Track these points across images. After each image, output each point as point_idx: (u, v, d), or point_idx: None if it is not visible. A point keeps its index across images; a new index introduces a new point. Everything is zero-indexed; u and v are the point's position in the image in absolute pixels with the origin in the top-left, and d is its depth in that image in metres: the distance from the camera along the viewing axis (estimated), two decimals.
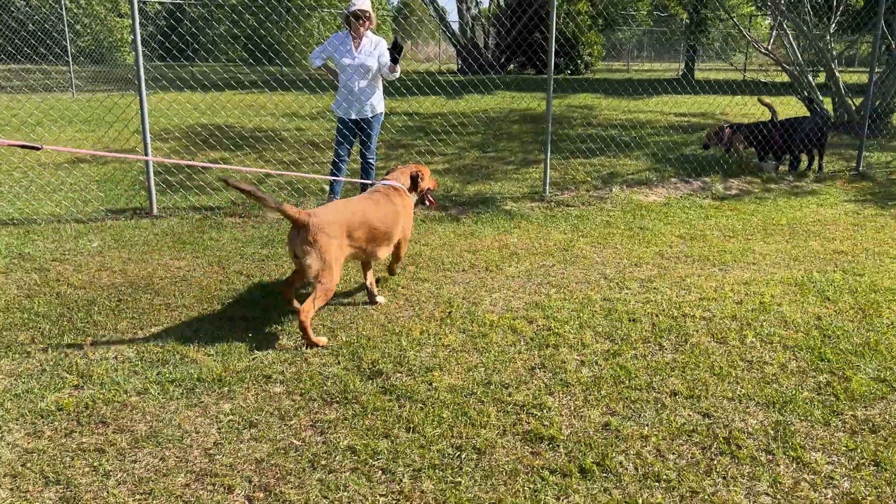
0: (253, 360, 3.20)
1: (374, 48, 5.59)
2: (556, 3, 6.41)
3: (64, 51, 16.82)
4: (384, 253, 3.87)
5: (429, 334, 3.50)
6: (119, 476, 2.37)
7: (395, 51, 5.48)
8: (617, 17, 30.31)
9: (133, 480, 2.35)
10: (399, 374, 3.07)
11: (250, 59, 24.00)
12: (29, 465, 2.43)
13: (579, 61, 25.41)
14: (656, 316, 3.73)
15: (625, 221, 5.84)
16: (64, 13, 16.39)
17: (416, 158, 8.28)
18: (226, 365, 3.14)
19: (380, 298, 3.93)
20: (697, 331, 3.54)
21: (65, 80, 17.02)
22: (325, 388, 2.96)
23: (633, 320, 3.68)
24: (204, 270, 4.46)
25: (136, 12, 5.54)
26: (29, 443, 2.56)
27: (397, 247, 4.04)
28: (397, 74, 5.62)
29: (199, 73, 17.79)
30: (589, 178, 7.40)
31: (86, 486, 2.32)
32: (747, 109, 10.47)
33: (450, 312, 3.79)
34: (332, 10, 26.21)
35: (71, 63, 16.46)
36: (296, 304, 3.67)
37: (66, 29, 16.59)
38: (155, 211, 5.82)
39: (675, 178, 7.45)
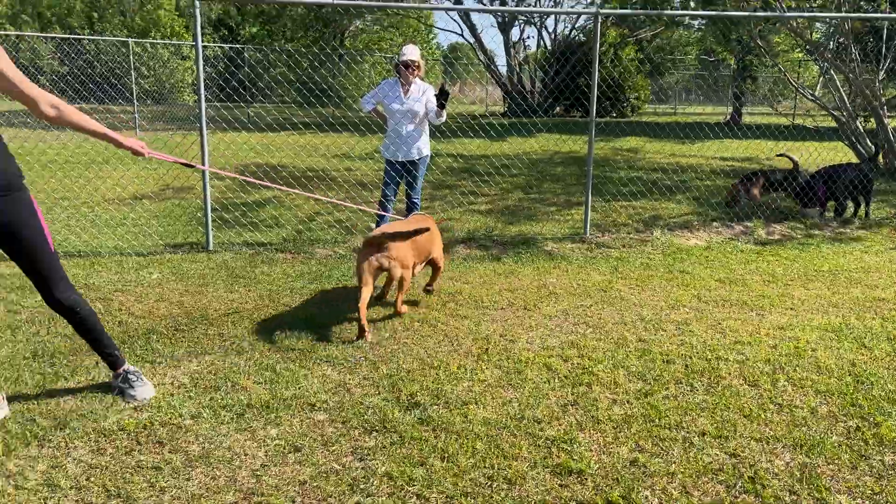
0: (299, 388, 3.38)
1: (421, 94, 5.85)
2: (598, 50, 6.61)
3: (129, 91, 17.71)
4: (420, 264, 4.63)
5: (466, 369, 3.64)
6: (174, 492, 2.56)
7: (442, 97, 5.72)
8: (664, 62, 30.46)
9: (186, 496, 2.53)
10: (436, 407, 3.22)
11: (304, 101, 24.84)
12: (92, 479, 2.64)
13: (625, 105, 25.57)
14: (690, 358, 3.80)
15: (664, 264, 5.92)
16: (131, 56, 17.31)
17: (460, 199, 8.49)
18: (273, 393, 3.33)
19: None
20: (730, 373, 3.60)
21: (130, 119, 17.89)
22: (365, 417, 3.12)
23: (667, 361, 3.76)
24: (255, 303, 4.69)
25: (201, 58, 5.93)
26: (92, 459, 2.77)
27: (437, 264, 4.82)
28: (443, 119, 5.86)
29: (255, 114, 18.51)
30: (630, 221, 7.49)
31: (143, 500, 2.51)
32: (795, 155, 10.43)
33: (487, 349, 3.93)
34: (383, 56, 27.00)
35: (135, 103, 17.32)
36: (366, 325, 4.10)
37: (132, 71, 17.50)
38: (211, 246, 6.12)
39: (717, 222, 7.49)
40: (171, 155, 3.89)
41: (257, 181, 4.87)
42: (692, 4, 22.32)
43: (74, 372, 3.55)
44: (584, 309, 4.69)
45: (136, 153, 3.24)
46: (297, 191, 5.04)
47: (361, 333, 4.04)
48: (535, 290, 5.11)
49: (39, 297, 4.64)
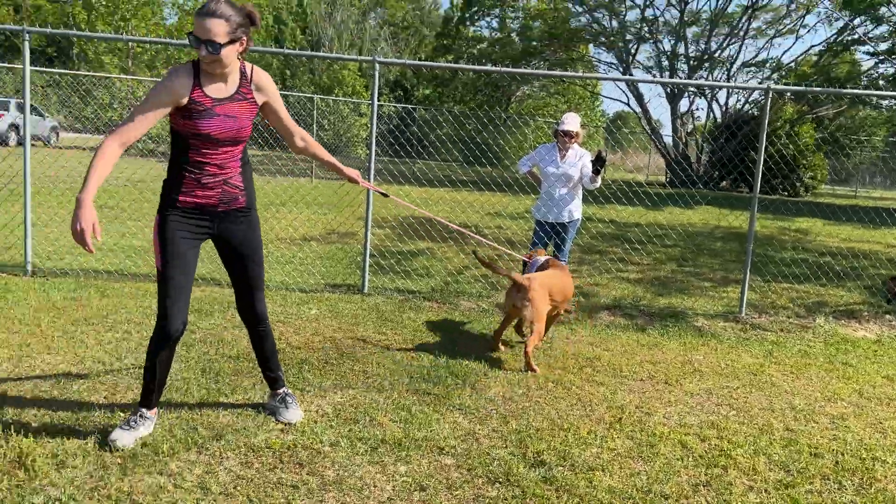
0: (430, 431, 3.52)
1: (577, 159, 5.96)
2: (766, 126, 6.42)
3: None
4: (561, 310, 5.21)
5: (596, 435, 3.61)
6: None
7: (598, 163, 5.80)
8: (846, 142, 28.60)
9: None
10: (561, 468, 3.22)
11: (464, 160, 25.76)
12: (238, 488, 2.89)
13: (798, 183, 24.20)
14: (841, 454, 3.54)
15: (825, 354, 5.53)
16: (315, 111, 18.87)
17: (609, 265, 8.43)
18: (406, 432, 3.48)
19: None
20: (886, 476, 3.31)
21: (307, 167, 19.42)
22: (490, 467, 3.18)
23: (815, 455, 3.52)
24: (399, 346, 4.93)
25: (375, 115, 6.43)
26: (241, 470, 3.04)
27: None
28: (598, 184, 5.92)
29: (419, 169, 19.44)
30: (791, 305, 7.08)
31: None
32: None
33: (620, 418, 3.87)
34: (545, 122, 27.47)
35: None
36: (501, 346, 5.05)
37: (314, 124, 19.04)
38: (366, 289, 6.50)
39: (892, 315, 6.89)
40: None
41: (443, 220, 5.16)
42: (881, 84, 20.95)
43: (234, 391, 3.91)
44: (730, 391, 4.50)
45: (352, 181, 3.72)
46: (461, 228, 5.28)
47: (495, 347, 4.97)
48: (679, 366, 4.96)
49: (213, 321, 5.18)
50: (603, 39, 27.78)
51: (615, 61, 28.46)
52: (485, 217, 12.25)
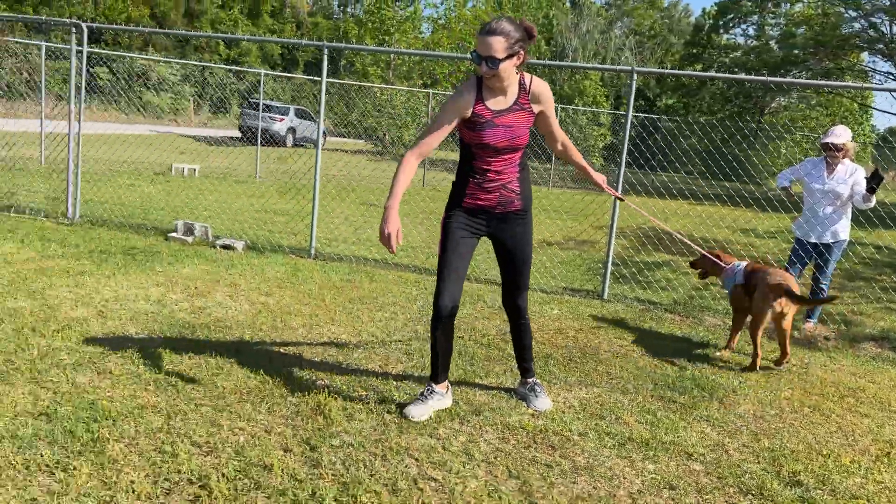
0: (677, 436, 3.56)
1: (848, 176, 5.56)
2: None
3: (545, 152, 19.66)
4: None
5: (860, 466, 3.41)
6: (561, 489, 2.96)
7: (874, 181, 5.37)
8: None
9: (571, 496, 2.91)
10: (820, 491, 3.10)
11: (710, 173, 24.60)
12: (498, 459, 3.18)
13: None
14: None
15: None
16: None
17: (879, 294, 7.67)
18: (653, 434, 3.56)
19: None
20: None
21: (547, 177, 19.85)
22: (741, 479, 3.16)
23: None
24: (641, 353, 4.98)
25: (629, 125, 6.51)
26: (499, 444, 3.33)
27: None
28: (871, 204, 5.48)
29: (661, 182, 18.98)
30: None
31: (537, 487, 2.95)
32: None
33: (888, 453, 3.60)
34: (804, 135, 25.30)
35: (552, 162, 19.13)
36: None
37: None
38: (605, 295, 6.60)
39: None
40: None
41: (686, 238, 5.18)
42: None
43: (487, 374, 4.25)
44: None
45: (597, 184, 3.92)
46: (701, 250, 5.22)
47: (753, 362, 4.80)
48: None
49: (466, 311, 5.62)
50: (880, 47, 24.98)
51: (893, 70, 25.44)
52: (735, 233, 11.68)
